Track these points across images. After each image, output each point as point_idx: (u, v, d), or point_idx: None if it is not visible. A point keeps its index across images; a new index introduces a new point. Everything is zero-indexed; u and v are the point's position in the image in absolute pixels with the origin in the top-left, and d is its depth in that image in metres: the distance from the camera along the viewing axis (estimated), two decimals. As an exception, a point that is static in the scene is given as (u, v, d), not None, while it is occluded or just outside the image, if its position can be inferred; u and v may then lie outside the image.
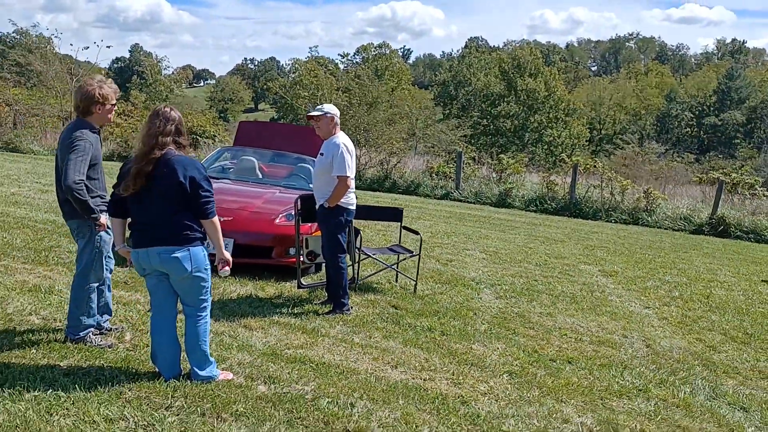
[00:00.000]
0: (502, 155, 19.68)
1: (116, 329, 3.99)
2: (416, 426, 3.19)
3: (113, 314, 4.14)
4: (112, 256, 3.89)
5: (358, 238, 5.68)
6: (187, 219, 3.20)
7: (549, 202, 15.31)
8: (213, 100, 77.63)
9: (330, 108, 5.00)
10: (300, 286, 5.45)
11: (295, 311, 4.93)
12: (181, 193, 3.16)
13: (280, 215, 6.01)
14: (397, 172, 17.11)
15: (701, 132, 61.14)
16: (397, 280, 6.24)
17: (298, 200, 5.33)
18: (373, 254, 5.91)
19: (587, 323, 5.53)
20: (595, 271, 7.99)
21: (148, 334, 4.00)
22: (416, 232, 6.25)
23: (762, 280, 8.66)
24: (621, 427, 3.46)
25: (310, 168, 7.61)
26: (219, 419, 3.01)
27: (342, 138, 4.95)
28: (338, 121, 5.02)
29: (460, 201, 15.47)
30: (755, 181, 17.78)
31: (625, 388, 4.07)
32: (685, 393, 4.10)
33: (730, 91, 60.24)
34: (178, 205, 3.18)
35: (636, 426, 3.50)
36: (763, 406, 4.05)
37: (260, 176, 7.45)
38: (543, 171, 20.34)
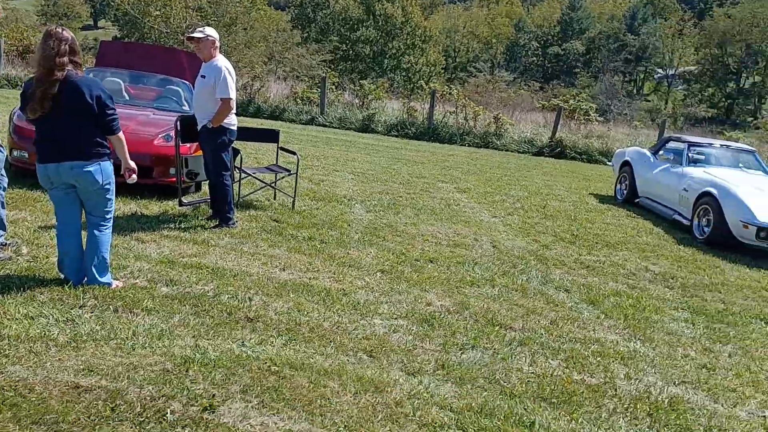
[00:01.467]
0: (364, 81, 20.16)
1: (11, 244, 4.11)
2: (307, 312, 3.74)
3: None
4: (5, 174, 3.97)
5: (238, 157, 5.99)
6: (95, 135, 3.43)
7: (409, 127, 16.13)
8: (45, 15, 70.18)
9: (211, 31, 5.18)
10: (181, 204, 5.70)
11: (183, 226, 5.23)
12: (89, 111, 3.36)
13: (159, 136, 6.14)
14: (261, 97, 17.08)
15: (546, 61, 65.17)
16: (275, 198, 6.65)
17: (178, 121, 5.51)
18: (253, 173, 6.27)
19: (445, 230, 6.32)
20: (451, 188, 8.87)
21: (44, 248, 4.18)
22: (293, 153, 6.65)
23: (589, 193, 10.05)
24: (471, 306, 4.24)
25: (180, 90, 7.66)
26: (132, 313, 3.37)
27: (222, 61, 5.18)
28: (218, 44, 5.22)
29: (325, 126, 15.86)
30: (590, 107, 19.77)
31: (475, 279, 4.87)
32: (522, 281, 4.99)
33: (572, 22, 64.33)
34: (87, 122, 3.39)
35: (483, 305, 4.30)
36: (582, 288, 5.04)
37: (127, 98, 7.39)
38: (403, 97, 21.16)
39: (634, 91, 62.37)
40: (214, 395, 2.66)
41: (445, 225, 6.56)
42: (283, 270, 4.48)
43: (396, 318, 3.87)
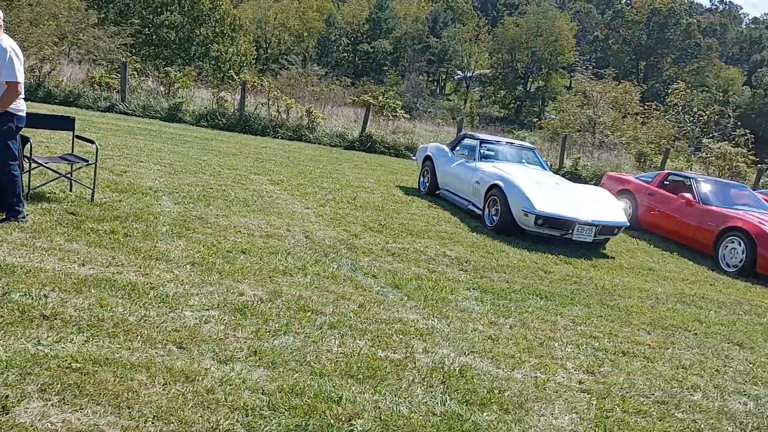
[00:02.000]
0: (169, 68, 19.26)
1: None
2: (111, 307, 3.60)
3: None
4: None
5: (27, 145, 5.49)
6: None
7: (220, 117, 15.76)
8: None
9: (-7, 7, 4.70)
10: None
11: (-40, 221, 4.70)
12: None
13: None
14: (52, 81, 15.61)
15: (356, 58, 67.01)
16: (72, 190, 6.20)
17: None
18: (45, 162, 5.78)
19: (258, 222, 6.36)
20: (264, 180, 8.89)
21: None
22: (91, 141, 6.24)
23: (396, 186, 10.64)
24: (284, 294, 4.36)
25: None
26: None
27: (8, 41, 4.72)
28: (2, 24, 4.75)
29: (128, 114, 14.94)
30: (397, 104, 20.78)
31: (288, 269, 5.00)
32: (333, 268, 5.21)
33: (380, 21, 66.82)
34: None
35: (296, 293, 4.44)
36: (387, 273, 5.39)
37: None
38: (213, 87, 20.55)
39: (437, 90, 66.51)
40: (7, 396, 2.50)
41: (258, 216, 6.59)
42: (83, 265, 4.24)
43: (207, 309, 3.86)
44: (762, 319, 6.04)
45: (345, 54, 66.81)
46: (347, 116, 20.32)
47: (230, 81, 24.62)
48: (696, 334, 5.19)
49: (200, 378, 2.93)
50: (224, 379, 2.97)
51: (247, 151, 11.97)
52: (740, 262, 8.02)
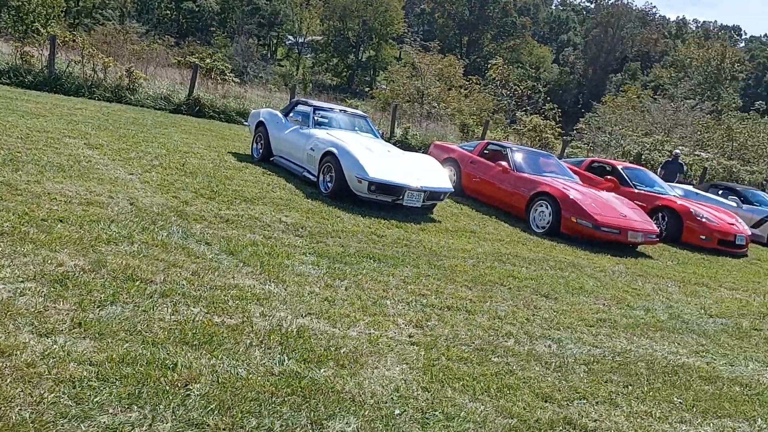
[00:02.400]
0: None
1: None
2: None
3: None
4: None
5: None
6: None
7: (25, 75, 14.18)
8: None
9: None
10: None
11: None
12: None
13: None
14: None
15: (180, 16, 63.36)
16: None
17: None
18: None
19: (76, 188, 5.89)
20: (81, 144, 8.21)
21: None
22: None
23: (228, 152, 10.36)
24: (109, 264, 4.12)
25: None
26: None
27: None
28: None
29: None
30: (226, 67, 20.05)
31: (112, 237, 4.71)
32: (162, 236, 5.00)
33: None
34: None
35: (122, 262, 4.21)
36: (222, 240, 5.28)
37: None
38: (14, 41, 18.37)
39: (269, 55, 65.15)
40: None
41: (76, 183, 6.10)
42: None
43: (22, 281, 3.55)
44: (564, 273, 6.79)
45: (167, 12, 62.89)
46: (172, 78, 19.26)
47: (35, 35, 22.19)
48: (510, 288, 5.72)
49: (18, 353, 2.71)
50: (46, 353, 2.77)
51: (60, 112, 10.94)
52: (547, 223, 8.91)
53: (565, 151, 19.45)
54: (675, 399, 3.87)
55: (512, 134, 21.35)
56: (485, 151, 10.90)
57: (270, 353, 3.31)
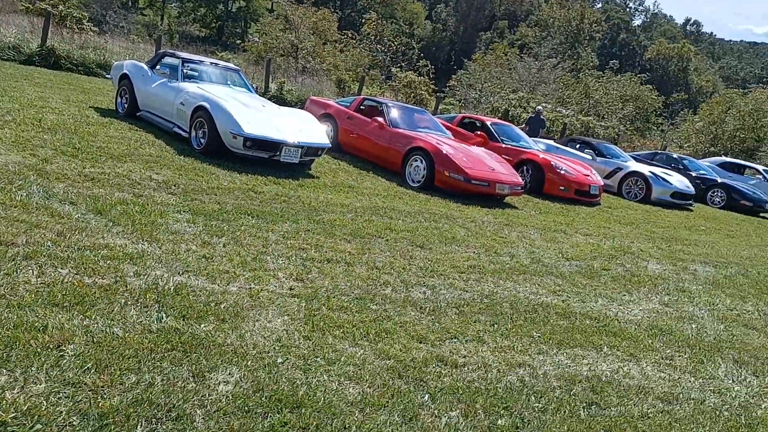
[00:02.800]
0: None
1: None
2: None
3: None
4: None
5: None
6: None
7: None
8: None
9: None
10: None
11: None
12: None
13: None
14: None
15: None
16: None
17: None
18: None
19: None
20: None
21: None
22: None
23: (90, 106, 9.71)
24: (-37, 227, 3.82)
25: None
26: None
27: None
28: None
29: None
30: (82, 15, 18.58)
31: (-37, 199, 4.35)
32: (22, 196, 4.68)
33: None
34: None
35: (-23, 225, 3.92)
36: (88, 199, 5.03)
37: None
38: None
39: (129, 3, 60.77)
40: None
41: None
42: None
43: None
44: (438, 225, 7.11)
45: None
46: (21, 26, 17.54)
47: None
48: (387, 240, 5.93)
49: None
50: None
51: None
52: (422, 177, 9.22)
53: (439, 107, 19.99)
54: (534, 333, 4.25)
55: (388, 90, 21.60)
56: (361, 107, 11.00)
57: (147, 311, 3.26)
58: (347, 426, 2.62)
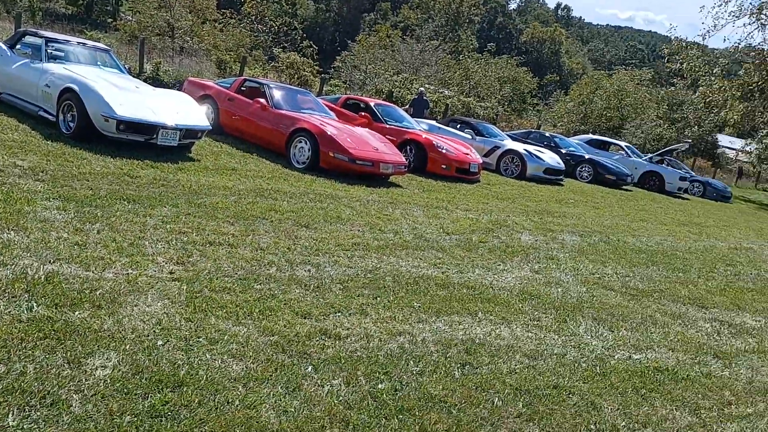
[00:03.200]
0: None
1: None
2: None
3: None
4: None
5: None
6: None
7: None
8: None
9: None
10: None
11: None
12: None
13: None
14: None
15: None
16: None
17: None
18: None
19: None
20: None
21: None
22: None
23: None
24: None
25: None
26: None
27: None
28: None
29: None
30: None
31: None
32: None
33: None
34: None
35: None
36: (-58, 189, 4.67)
37: None
38: None
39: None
40: None
41: None
42: None
43: None
44: (323, 205, 7.20)
45: None
46: None
47: None
48: (272, 221, 5.94)
49: None
50: None
51: None
52: (307, 159, 9.24)
53: (324, 88, 19.97)
54: (415, 304, 4.47)
55: (271, 71, 21.27)
56: (243, 88, 10.81)
57: (16, 301, 3.12)
58: (230, 400, 2.68)
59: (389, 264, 5.37)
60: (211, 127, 8.60)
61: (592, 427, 3.17)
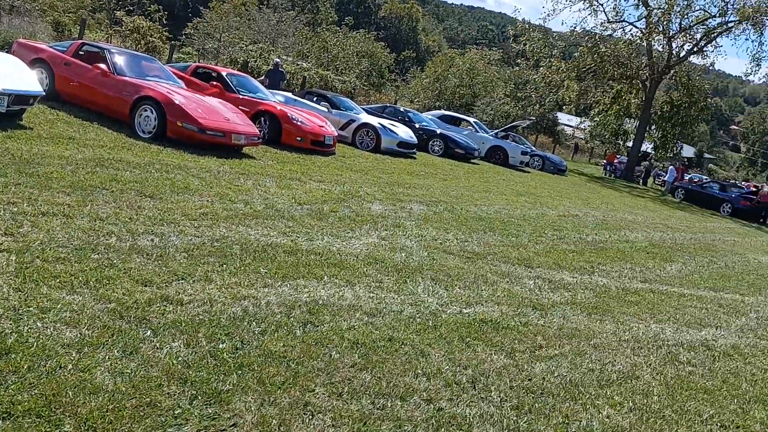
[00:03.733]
0: None
1: None
2: None
3: None
4: None
5: None
6: None
7: None
8: None
9: None
10: None
11: None
12: None
13: None
14: None
15: None
16: None
17: None
18: None
19: None
20: None
21: None
22: None
23: None
24: None
25: None
26: None
27: None
28: None
29: None
30: None
31: None
32: None
33: None
34: None
35: None
36: None
37: None
38: None
39: None
40: None
41: None
42: None
43: None
44: (171, 175, 7.03)
45: None
46: None
47: None
48: (112, 191, 5.74)
49: None
50: None
51: None
52: (153, 128, 8.91)
53: (174, 56, 19.13)
54: (262, 270, 4.58)
55: (115, 36, 19.99)
56: (81, 53, 10.13)
57: None
58: (62, 365, 2.66)
59: (238, 233, 5.41)
60: (44, 93, 8.03)
61: (419, 371, 3.49)
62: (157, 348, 3.03)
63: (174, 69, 11.86)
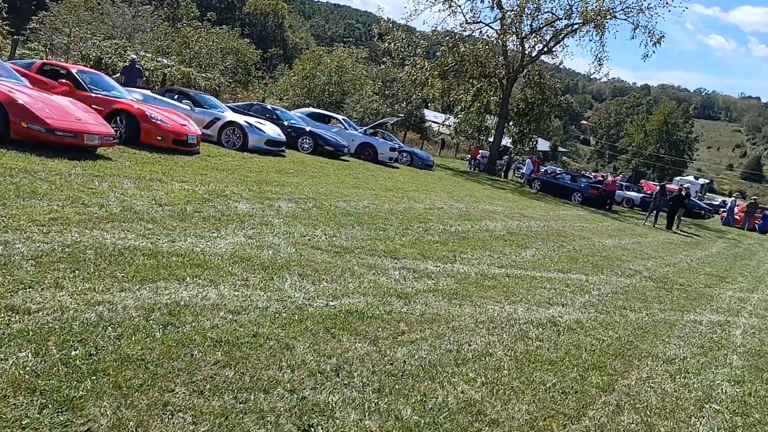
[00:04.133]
0: None
1: None
2: None
3: None
4: None
5: None
6: None
7: None
8: None
9: None
10: None
11: None
12: None
13: None
14: None
15: None
16: None
17: None
18: None
19: None
20: None
21: None
22: None
23: None
24: None
25: None
26: None
27: None
28: None
29: None
30: None
31: None
32: None
33: None
34: None
35: None
36: None
37: None
38: None
39: None
40: None
41: None
42: None
43: None
44: (15, 179, 6.55)
45: None
46: None
47: None
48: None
49: None
50: None
51: None
52: (-5, 129, 8.23)
53: (17, 52, 17.69)
54: (118, 274, 4.42)
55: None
56: None
57: None
58: None
59: (92, 237, 5.17)
60: None
61: (283, 364, 3.56)
62: (2, 360, 2.87)
63: (17, 66, 11.01)
